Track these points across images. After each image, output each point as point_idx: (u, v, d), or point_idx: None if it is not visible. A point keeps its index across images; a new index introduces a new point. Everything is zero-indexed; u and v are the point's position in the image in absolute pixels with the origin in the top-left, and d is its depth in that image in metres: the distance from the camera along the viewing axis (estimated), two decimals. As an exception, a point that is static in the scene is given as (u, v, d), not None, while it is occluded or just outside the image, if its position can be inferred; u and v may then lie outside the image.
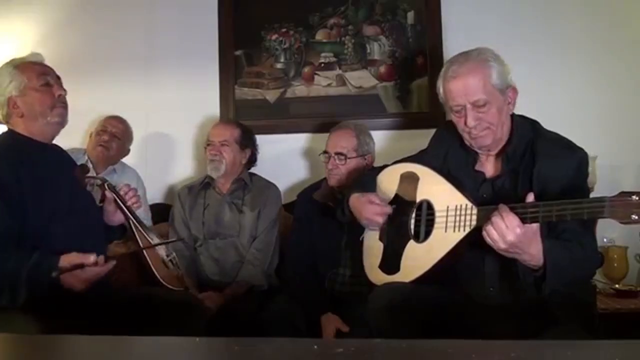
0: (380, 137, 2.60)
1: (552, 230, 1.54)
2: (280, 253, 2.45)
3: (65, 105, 1.84)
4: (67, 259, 1.58)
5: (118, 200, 1.90)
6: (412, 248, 1.72)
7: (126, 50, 2.94)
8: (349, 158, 2.26)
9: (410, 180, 1.79)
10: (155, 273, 1.93)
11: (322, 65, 2.82)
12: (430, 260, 1.65)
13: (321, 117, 2.76)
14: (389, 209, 1.78)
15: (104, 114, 2.73)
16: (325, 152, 2.32)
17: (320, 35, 2.83)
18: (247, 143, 2.53)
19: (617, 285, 2.38)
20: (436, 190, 1.71)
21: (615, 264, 2.43)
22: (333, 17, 2.81)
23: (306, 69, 2.83)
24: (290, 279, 2.27)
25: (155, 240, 2.01)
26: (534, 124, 1.70)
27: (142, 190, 2.65)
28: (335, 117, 2.62)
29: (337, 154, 2.27)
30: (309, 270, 2.23)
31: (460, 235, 1.60)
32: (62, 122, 1.84)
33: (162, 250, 2.04)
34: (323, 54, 2.82)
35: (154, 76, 2.92)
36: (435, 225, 1.67)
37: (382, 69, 2.77)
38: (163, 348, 1.09)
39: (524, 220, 1.41)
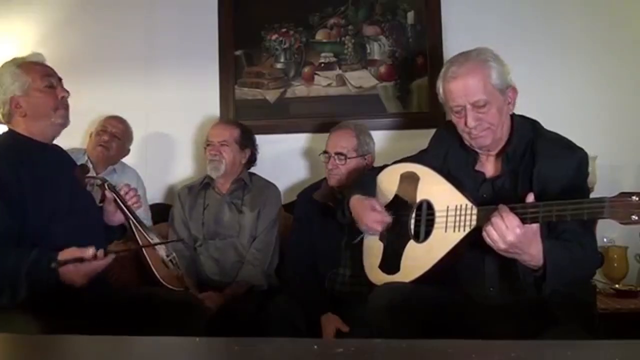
0: (380, 137, 2.60)
1: (552, 230, 1.54)
2: (280, 253, 2.45)
3: (67, 107, 1.84)
4: (66, 253, 1.58)
5: (118, 200, 1.90)
6: (412, 248, 1.72)
7: (126, 50, 2.94)
8: (349, 158, 2.26)
9: (410, 180, 1.79)
10: (155, 273, 1.93)
11: (322, 65, 2.82)
12: (430, 260, 1.65)
13: (321, 117, 2.76)
14: (388, 219, 1.78)
15: (104, 114, 2.73)
16: (325, 152, 2.32)
17: (320, 35, 2.83)
18: (247, 143, 2.53)
19: (617, 285, 2.38)
20: (436, 190, 1.71)
21: (615, 264, 2.43)
22: (333, 17, 2.81)
23: (306, 69, 2.83)
24: (290, 279, 2.27)
25: (156, 240, 2.01)
26: (534, 124, 1.70)
27: (142, 190, 2.65)
28: (335, 117, 2.62)
29: (337, 154, 2.27)
30: (309, 270, 2.23)
31: (460, 235, 1.60)
32: (64, 124, 1.84)
33: (162, 251, 2.04)
34: (323, 54, 2.82)
35: (154, 76, 2.92)
36: (435, 225, 1.67)
37: (382, 69, 2.77)
38: (163, 348, 1.09)
39: (524, 221, 1.41)
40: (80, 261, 1.58)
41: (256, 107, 2.85)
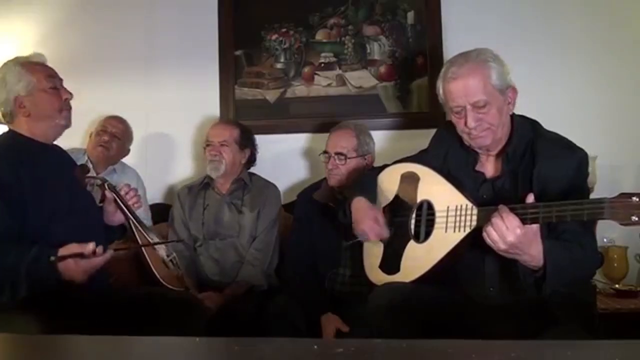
0: (380, 137, 2.60)
1: (552, 230, 1.54)
2: (280, 253, 2.45)
3: (70, 109, 1.85)
4: (66, 249, 1.58)
5: (118, 200, 1.90)
6: (412, 248, 1.72)
7: (126, 50, 2.94)
8: (349, 158, 2.26)
9: (410, 180, 1.80)
10: (155, 273, 1.94)
11: (322, 65, 2.82)
12: (431, 260, 1.65)
13: (321, 117, 2.76)
14: (386, 234, 1.78)
15: (104, 114, 2.73)
16: (325, 152, 2.32)
17: (320, 35, 2.83)
18: (247, 143, 2.53)
19: (617, 285, 2.38)
20: (436, 190, 1.71)
21: (615, 264, 2.43)
22: (333, 17, 2.81)
23: (306, 69, 2.83)
24: (290, 279, 2.27)
25: (156, 240, 2.01)
26: (534, 124, 1.70)
27: (142, 190, 2.65)
28: (335, 117, 2.62)
29: (337, 154, 2.27)
30: (309, 270, 2.23)
31: (460, 235, 1.60)
32: (67, 125, 1.86)
33: (162, 251, 2.04)
34: (323, 54, 2.82)
35: (154, 76, 2.92)
36: (436, 226, 1.67)
37: (382, 69, 2.77)
38: (163, 348, 1.09)
39: (524, 221, 1.41)
40: (80, 257, 1.58)
41: (256, 107, 2.85)
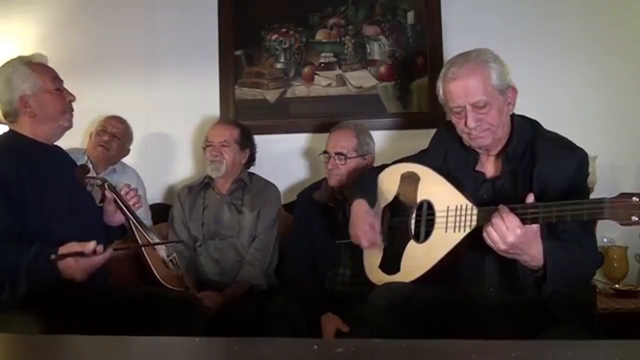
0: (380, 137, 2.60)
1: (552, 230, 1.54)
2: (280, 253, 2.45)
3: (72, 111, 1.86)
4: (67, 248, 1.58)
5: (118, 201, 1.90)
6: (412, 248, 1.72)
7: (126, 50, 2.94)
8: (349, 158, 2.26)
9: (410, 180, 1.79)
10: (155, 273, 1.94)
11: (322, 65, 2.82)
12: (431, 260, 1.65)
13: (321, 117, 2.76)
14: (380, 244, 1.79)
15: (104, 114, 2.73)
16: (325, 152, 2.32)
17: (320, 35, 2.83)
18: (247, 143, 2.53)
19: (617, 285, 2.38)
20: (437, 190, 1.71)
21: (615, 264, 2.43)
22: (333, 17, 2.81)
23: (306, 69, 2.83)
24: (290, 279, 2.27)
25: (156, 240, 2.01)
26: (534, 124, 1.70)
27: (142, 190, 2.65)
28: (335, 117, 2.62)
29: (337, 154, 2.27)
30: (309, 270, 2.23)
31: (460, 235, 1.60)
32: (69, 127, 1.87)
33: (162, 251, 2.04)
34: (323, 54, 2.82)
35: (154, 76, 2.92)
36: (436, 226, 1.67)
37: (382, 69, 2.77)
38: (163, 348, 1.09)
39: (524, 221, 1.41)
40: (81, 255, 1.58)
41: (256, 107, 2.85)
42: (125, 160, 2.74)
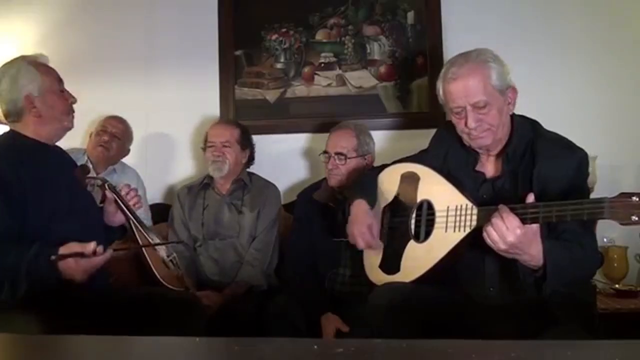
0: (380, 137, 2.60)
1: (552, 230, 1.54)
2: (280, 253, 2.45)
3: (74, 112, 1.88)
4: (67, 248, 1.58)
5: (119, 201, 1.90)
6: (412, 248, 1.72)
7: (126, 50, 2.94)
8: (349, 158, 2.26)
9: (410, 180, 1.80)
10: (156, 273, 1.94)
11: (322, 65, 2.82)
12: (431, 260, 1.65)
13: (321, 117, 2.76)
14: (376, 246, 1.79)
15: (104, 114, 2.73)
16: (325, 152, 2.32)
17: (320, 35, 2.83)
18: (247, 143, 2.54)
19: (617, 285, 2.38)
20: (437, 190, 1.71)
21: (615, 264, 2.43)
22: (333, 17, 2.81)
23: (306, 69, 2.83)
24: (290, 279, 2.27)
25: (157, 241, 2.01)
26: (534, 124, 1.70)
27: (142, 190, 2.65)
28: (335, 117, 2.62)
29: (337, 154, 2.27)
30: (309, 270, 2.23)
31: (460, 235, 1.60)
32: (71, 128, 1.88)
33: (162, 251, 2.04)
34: (323, 54, 2.82)
35: (154, 76, 2.92)
36: (436, 226, 1.67)
37: (382, 69, 2.77)
38: (163, 348, 1.09)
39: (524, 221, 1.41)
40: (81, 256, 1.58)
41: (256, 107, 2.85)
42: (125, 160, 2.74)
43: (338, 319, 2.06)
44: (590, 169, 1.67)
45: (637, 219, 1.29)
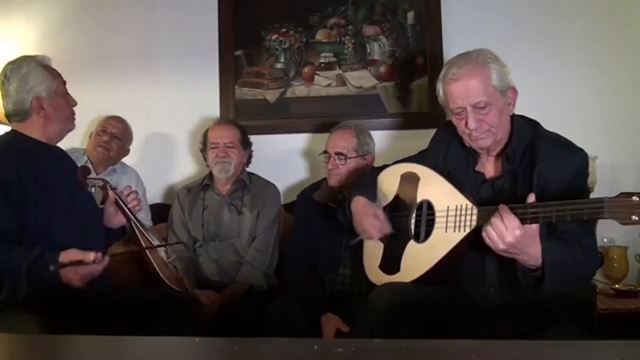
0: (380, 137, 2.60)
1: (552, 231, 1.54)
2: (280, 253, 2.45)
3: (75, 114, 1.90)
4: (67, 255, 1.59)
5: (120, 201, 1.90)
6: (412, 248, 1.72)
7: (126, 50, 2.94)
8: (349, 158, 2.26)
9: (410, 180, 1.80)
10: (160, 273, 1.94)
11: (322, 65, 2.82)
12: (431, 260, 1.65)
13: (321, 117, 2.76)
14: (388, 230, 1.78)
15: (104, 114, 2.73)
16: (325, 152, 2.33)
17: (320, 35, 2.83)
18: (247, 143, 2.55)
19: (617, 285, 2.38)
20: (436, 190, 1.71)
21: (615, 264, 2.43)
22: (333, 17, 2.81)
23: (306, 69, 2.83)
24: (290, 279, 2.27)
25: (157, 242, 2.01)
26: (534, 125, 1.70)
27: (142, 190, 2.65)
28: (335, 117, 2.62)
29: (337, 154, 2.27)
30: (309, 270, 2.23)
31: (460, 235, 1.60)
32: (73, 129, 1.90)
33: (162, 253, 2.04)
34: (323, 54, 2.82)
35: (154, 76, 2.92)
36: (436, 226, 1.67)
37: (382, 69, 2.77)
38: (163, 348, 1.09)
39: (523, 221, 1.41)
40: (80, 264, 1.58)
41: (256, 107, 2.85)
42: (125, 160, 2.74)
43: (338, 319, 2.06)
44: (590, 169, 1.67)
45: (637, 218, 1.29)
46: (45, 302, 1.58)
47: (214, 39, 2.87)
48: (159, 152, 2.94)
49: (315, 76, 2.82)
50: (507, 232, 1.40)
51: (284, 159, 2.82)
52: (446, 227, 1.63)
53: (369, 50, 2.79)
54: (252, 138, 2.59)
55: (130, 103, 2.86)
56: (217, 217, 2.46)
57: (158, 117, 2.91)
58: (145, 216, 2.51)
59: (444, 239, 1.64)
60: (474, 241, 1.56)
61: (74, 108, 1.89)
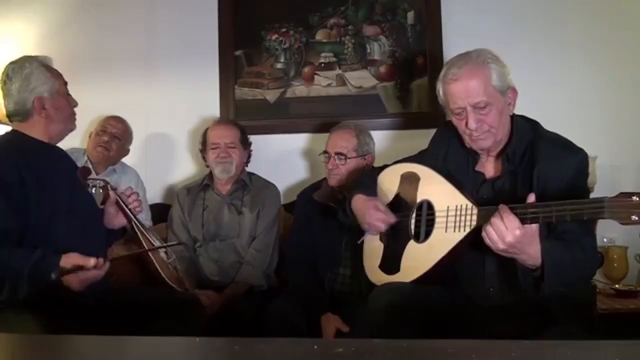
0: (380, 137, 2.60)
1: (552, 231, 1.54)
2: (280, 253, 2.45)
3: (75, 115, 1.90)
4: (69, 260, 1.59)
5: (121, 202, 1.90)
6: (412, 248, 1.72)
7: (126, 50, 2.94)
8: (349, 158, 2.26)
9: (410, 180, 1.80)
10: (162, 273, 1.94)
11: (322, 65, 2.82)
12: (431, 260, 1.65)
13: (321, 117, 2.76)
14: (392, 219, 1.78)
15: (104, 114, 2.73)
16: (325, 152, 2.33)
17: (320, 35, 2.83)
18: (247, 143, 2.55)
19: (617, 285, 2.38)
20: (436, 190, 1.71)
21: (615, 264, 2.43)
22: (333, 17, 2.81)
23: (306, 69, 2.83)
24: (290, 279, 2.27)
25: (157, 242, 2.01)
26: (534, 125, 1.70)
27: (142, 190, 2.65)
28: (335, 117, 2.62)
29: (337, 154, 2.27)
30: (309, 270, 2.23)
31: (460, 235, 1.60)
32: (74, 130, 1.91)
33: (162, 253, 2.04)
34: (323, 54, 2.82)
35: (154, 76, 2.92)
36: (436, 226, 1.67)
37: (382, 69, 2.77)
38: (163, 348, 1.09)
39: (523, 221, 1.41)
40: (81, 269, 1.58)
41: (256, 107, 2.85)
42: (125, 160, 2.74)
43: (338, 319, 2.06)
44: (590, 169, 1.67)
45: (637, 218, 1.29)
46: (46, 303, 1.58)
47: (214, 39, 2.87)
48: (159, 152, 2.94)
49: (315, 76, 2.82)
50: (507, 232, 1.40)
51: (284, 159, 2.82)
52: (446, 227, 1.63)
53: (369, 50, 2.79)
54: (252, 138, 2.60)
55: (130, 103, 2.86)
56: (217, 217, 2.46)
57: (158, 117, 2.91)
58: (145, 216, 2.51)
59: (444, 239, 1.64)
60: (474, 241, 1.56)
61: (75, 109, 1.89)
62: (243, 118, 2.75)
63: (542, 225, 1.46)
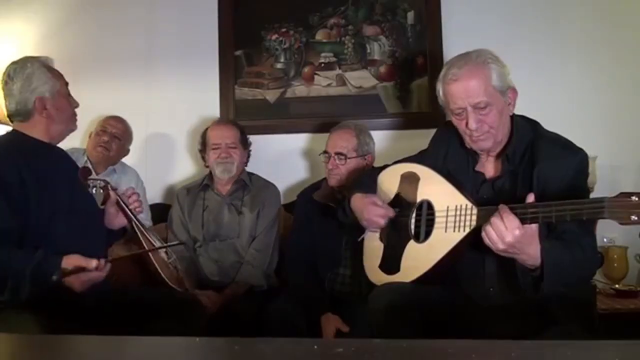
0: (380, 137, 2.60)
1: (552, 231, 1.54)
2: (280, 253, 2.45)
3: (76, 115, 1.91)
4: (70, 261, 1.59)
5: (121, 202, 1.90)
6: (412, 248, 1.72)
7: (126, 50, 2.94)
8: (349, 158, 2.26)
9: (410, 180, 1.80)
10: (162, 273, 1.94)
11: (322, 65, 2.82)
12: (431, 260, 1.65)
13: (321, 117, 2.76)
14: (391, 212, 1.78)
15: (104, 114, 2.73)
16: (325, 152, 2.33)
17: (320, 35, 2.83)
18: (246, 143, 2.55)
19: (617, 285, 2.38)
20: (436, 190, 1.71)
21: (615, 264, 2.43)
22: (333, 17, 2.81)
23: (306, 69, 2.83)
24: (290, 279, 2.27)
25: (157, 242, 2.01)
26: (534, 125, 1.70)
27: (142, 190, 2.65)
28: (335, 117, 2.62)
29: (337, 154, 2.27)
30: (309, 270, 2.23)
31: (460, 235, 1.60)
32: (74, 130, 1.92)
33: (162, 253, 2.04)
34: (323, 54, 2.82)
35: (154, 76, 2.92)
36: (436, 226, 1.67)
37: (382, 69, 2.77)
38: (163, 348, 1.09)
39: (523, 221, 1.41)
40: (82, 271, 1.59)
41: (256, 107, 2.85)
42: (125, 160, 2.74)
43: (338, 319, 2.06)
44: (590, 169, 1.67)
45: (637, 218, 1.29)
46: (46, 303, 1.58)
47: (214, 39, 2.87)
48: (159, 152, 2.94)
49: (315, 76, 2.82)
50: (506, 232, 1.40)
51: (284, 159, 2.82)
52: (446, 227, 1.63)
53: (369, 50, 2.79)
54: (252, 138, 2.60)
55: (130, 103, 2.86)
56: (217, 217, 2.46)
57: (158, 117, 2.91)
58: (145, 216, 2.51)
59: (443, 239, 1.64)
60: (474, 241, 1.56)
61: (76, 109, 1.90)
62: (243, 118, 2.75)
63: (541, 225, 1.46)
